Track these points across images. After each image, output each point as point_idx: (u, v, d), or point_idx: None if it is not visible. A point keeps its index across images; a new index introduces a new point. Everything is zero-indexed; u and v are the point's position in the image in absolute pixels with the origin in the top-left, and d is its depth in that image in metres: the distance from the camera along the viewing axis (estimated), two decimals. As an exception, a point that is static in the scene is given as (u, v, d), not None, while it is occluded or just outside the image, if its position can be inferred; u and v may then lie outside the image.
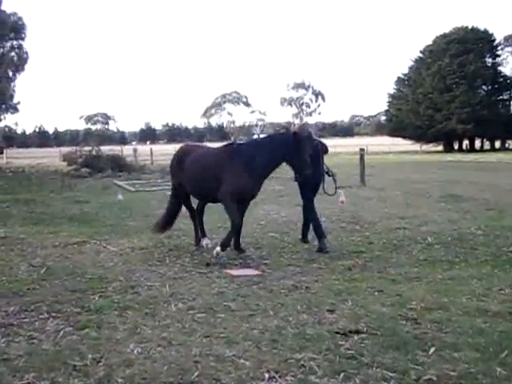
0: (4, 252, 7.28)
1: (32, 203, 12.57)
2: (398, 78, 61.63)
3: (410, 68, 60.17)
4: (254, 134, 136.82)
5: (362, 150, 16.75)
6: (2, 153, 50.92)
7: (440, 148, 56.47)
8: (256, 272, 6.14)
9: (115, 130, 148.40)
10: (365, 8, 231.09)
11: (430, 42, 58.39)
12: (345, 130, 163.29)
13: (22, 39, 29.74)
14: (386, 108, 63.59)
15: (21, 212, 11.09)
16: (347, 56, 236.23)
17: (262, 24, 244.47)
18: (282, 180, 17.98)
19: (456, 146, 56.41)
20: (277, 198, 12.98)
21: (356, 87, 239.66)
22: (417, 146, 57.01)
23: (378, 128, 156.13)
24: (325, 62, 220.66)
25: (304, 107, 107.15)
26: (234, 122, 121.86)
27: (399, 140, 60.82)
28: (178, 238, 8.15)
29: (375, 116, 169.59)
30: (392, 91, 61.71)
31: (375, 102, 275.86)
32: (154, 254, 7.08)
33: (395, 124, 58.83)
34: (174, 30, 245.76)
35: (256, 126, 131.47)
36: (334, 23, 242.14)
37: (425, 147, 56.22)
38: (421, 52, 59.29)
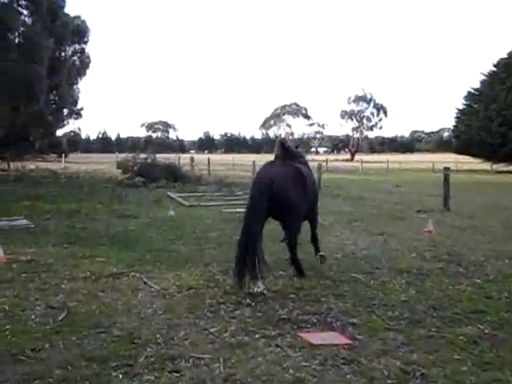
0: (22, 284, 5.88)
1: (75, 216, 11.35)
2: (469, 92, 58.38)
3: (482, 82, 56.79)
4: (312, 146, 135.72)
5: (446, 168, 14.59)
6: (66, 156, 51.70)
7: (512, 168, 52.79)
8: (343, 339, 4.42)
9: (175, 139, 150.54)
10: (431, 21, 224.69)
11: (505, 56, 55.09)
12: (405, 146, 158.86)
13: (85, 43, 29.45)
14: (454, 124, 60.22)
15: (59, 226, 9.83)
16: (410, 69, 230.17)
17: (326, 35, 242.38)
18: (351, 200, 16.21)
19: (529, 166, 52.49)
20: (349, 222, 11.17)
21: (417, 102, 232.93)
22: (486, 165, 53.55)
23: (440, 144, 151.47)
24: (387, 74, 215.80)
25: (365, 121, 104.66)
26: (292, 134, 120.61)
27: (465, 158, 57.53)
28: (236, 274, 6.51)
29: (437, 132, 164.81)
30: (461, 106, 58.49)
31: (437, 118, 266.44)
32: (205, 298, 5.48)
33: (464, 141, 55.51)
34: (237, 40, 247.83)
35: (314, 138, 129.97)
36: (398, 36, 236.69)
37: (495, 166, 52.71)
38: (494, 66, 55.97)
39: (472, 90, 57.59)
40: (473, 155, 55.53)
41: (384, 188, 22.21)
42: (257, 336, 4.42)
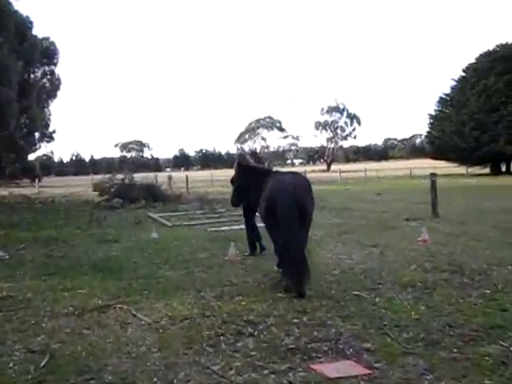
0: (-1, 324, 5.34)
1: (53, 243, 10.75)
2: (440, 98, 59.14)
3: (453, 88, 57.60)
4: (287, 159, 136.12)
5: (433, 174, 14.44)
6: (40, 181, 50.56)
7: (487, 170, 53.39)
8: (360, 369, 4.00)
9: (150, 157, 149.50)
10: (401, 28, 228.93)
11: (473, 61, 56.15)
12: (379, 154, 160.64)
13: (55, 65, 28.78)
14: (428, 130, 60.82)
15: (37, 256, 9.23)
16: (380, 78, 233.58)
17: (295, 47, 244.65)
18: (337, 211, 15.90)
19: (504, 168, 53.20)
20: (340, 235, 10.81)
21: (389, 110, 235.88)
22: (461, 169, 54.18)
23: (413, 151, 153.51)
24: (358, 84, 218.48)
25: (339, 131, 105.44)
26: (267, 147, 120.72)
27: (440, 163, 58.13)
28: (232, 300, 6.06)
29: (410, 139, 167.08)
30: (433, 112, 59.19)
31: (409, 125, 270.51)
32: (202, 329, 5.00)
33: (438, 146, 56.09)
34: (206, 56, 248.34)
35: (289, 150, 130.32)
36: (368, 45, 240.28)
37: (470, 170, 53.29)
38: (463, 71, 56.88)
39: (443, 96, 58.31)
40: (448, 160, 56.08)
41: (366, 197, 22.00)
42: (265, 372, 3.96)
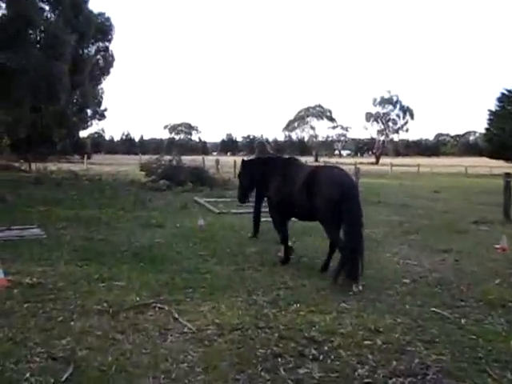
0: (22, 319, 4.63)
1: (94, 224, 10.15)
2: (502, 94, 56.17)
3: (517, 84, 54.51)
4: (335, 149, 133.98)
5: (508, 174, 13.03)
6: (90, 158, 51.06)
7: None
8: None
9: (197, 141, 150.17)
10: (460, 21, 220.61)
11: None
12: (430, 149, 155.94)
13: (109, 41, 28.36)
14: (486, 127, 57.92)
15: (76, 238, 8.62)
16: (435, 70, 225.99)
17: (351, 37, 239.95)
18: (394, 207, 14.77)
19: None
20: (404, 235, 9.74)
21: (442, 105, 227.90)
22: (520, 170, 51.27)
23: (466, 148, 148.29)
24: (412, 76, 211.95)
25: (390, 123, 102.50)
26: (316, 137, 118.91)
27: (496, 162, 55.42)
28: (288, 308, 5.19)
29: (463, 135, 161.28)
30: (494, 108, 56.28)
31: (462, 122, 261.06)
32: (255, 346, 4.16)
33: (497, 144, 53.31)
34: (262, 41, 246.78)
35: (338, 141, 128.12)
36: (423, 36, 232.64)
37: (529, 171, 50.49)
38: (530, 66, 53.85)
39: (505, 92, 55.36)
40: (506, 159, 53.39)
41: (423, 194, 20.62)
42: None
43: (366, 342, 4.31)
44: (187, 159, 24.51)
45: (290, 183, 6.81)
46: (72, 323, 4.55)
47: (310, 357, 3.99)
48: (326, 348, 4.16)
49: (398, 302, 5.49)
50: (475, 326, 4.81)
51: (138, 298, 5.27)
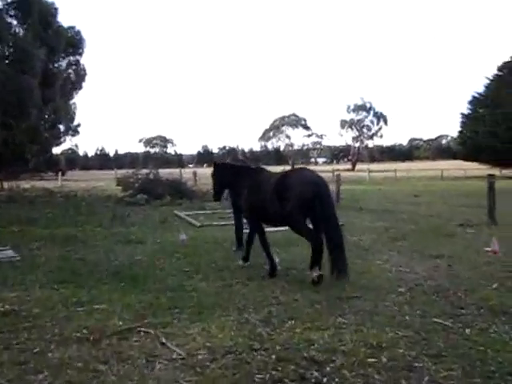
0: (-7, 352, 4.23)
1: (71, 243, 9.70)
2: (473, 97, 57.16)
3: (487, 87, 55.58)
4: (311, 157, 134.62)
5: (491, 176, 12.95)
6: (64, 174, 50.05)
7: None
8: None
9: (173, 153, 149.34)
10: (429, 26, 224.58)
11: (509, 59, 54.26)
12: (404, 154, 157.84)
13: (80, 55, 27.84)
14: (459, 130, 58.73)
15: (51, 258, 8.17)
16: (405, 77, 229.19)
17: (323, 45, 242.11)
18: (378, 213, 14.59)
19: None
20: (392, 242, 9.53)
21: (414, 110, 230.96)
22: (494, 171, 52.10)
23: (439, 152, 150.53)
24: (383, 82, 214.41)
25: (365, 130, 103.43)
26: (291, 146, 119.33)
27: (470, 164, 56.22)
28: (283, 325, 4.86)
29: (435, 139, 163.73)
30: (466, 112, 57.12)
31: (434, 126, 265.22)
32: (252, 371, 3.83)
33: (470, 147, 53.98)
34: (233, 52, 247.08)
35: (314, 149, 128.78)
36: (394, 42, 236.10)
37: (504, 172, 51.15)
38: (499, 69, 55.01)
39: (476, 95, 56.29)
40: (480, 161, 54.14)
41: (403, 199, 20.57)
42: None
43: (370, 360, 4.01)
44: (164, 172, 24.10)
45: (260, 190, 6.89)
46: (49, 354, 4.15)
47: (313, 380, 3.68)
48: (328, 369, 3.85)
49: (396, 313, 5.22)
50: (481, 335, 4.56)
51: (120, 323, 4.88)
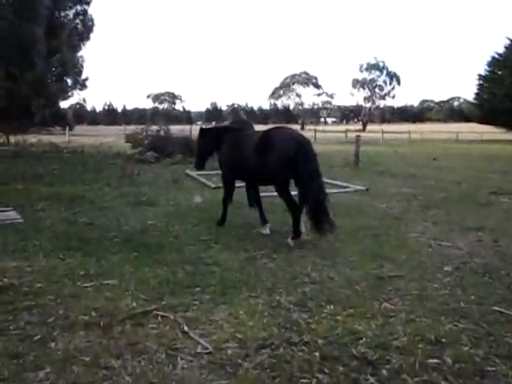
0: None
1: (78, 203, 9.06)
2: (493, 58, 55.22)
3: (507, 47, 53.57)
4: (321, 117, 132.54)
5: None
6: (71, 129, 49.11)
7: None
8: None
9: (181, 110, 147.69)
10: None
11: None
12: (415, 116, 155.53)
13: (87, 4, 26.57)
14: (476, 91, 56.97)
15: (57, 221, 7.53)
16: (417, 36, 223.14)
17: (336, 3, 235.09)
18: (401, 178, 13.82)
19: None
20: (423, 211, 8.80)
21: (426, 70, 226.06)
22: (509, 135, 51.01)
23: (452, 114, 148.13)
24: (396, 42, 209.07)
25: (377, 90, 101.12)
26: (302, 104, 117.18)
27: (485, 127, 54.90)
28: (321, 311, 4.22)
29: (447, 101, 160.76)
30: (484, 73, 55.30)
31: (446, 87, 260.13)
32: (293, 369, 3.19)
33: (487, 109, 52.44)
34: (245, 7, 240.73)
35: (324, 108, 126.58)
36: (407, 3, 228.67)
37: (520, 136, 49.90)
38: (521, 29, 52.96)
39: (496, 56, 54.35)
40: (496, 124, 52.83)
41: (423, 162, 19.74)
42: None
43: (431, 361, 3.36)
44: (175, 129, 23.23)
45: (240, 147, 6.84)
46: (52, 344, 3.52)
47: (371, 387, 3.04)
48: (385, 372, 3.21)
49: (449, 298, 4.55)
50: (554, 329, 3.89)
51: (134, 304, 4.24)
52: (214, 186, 11.61)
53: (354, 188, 11.27)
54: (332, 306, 4.29)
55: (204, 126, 8.58)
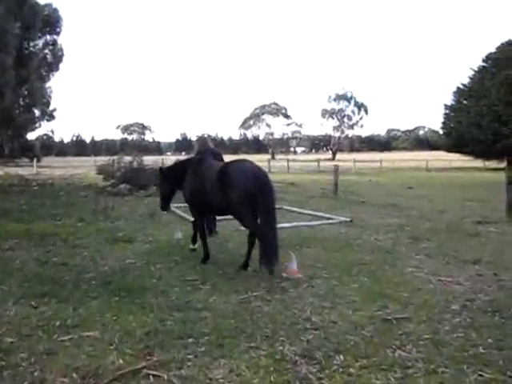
0: None
1: (50, 241, 8.46)
2: (458, 88, 57.01)
3: (472, 78, 55.30)
4: (291, 146, 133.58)
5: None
6: (39, 161, 47.97)
7: (504, 165, 50.97)
8: None
9: (151, 140, 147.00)
10: (410, 19, 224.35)
11: (493, 50, 54.18)
12: (382, 144, 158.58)
13: (57, 34, 26.17)
14: (443, 120, 58.40)
15: (28, 262, 6.94)
16: (384, 67, 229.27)
17: (303, 35, 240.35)
18: (384, 208, 13.61)
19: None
20: (414, 242, 8.51)
21: (391, 100, 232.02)
22: (477, 163, 52.20)
23: (417, 143, 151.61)
24: (360, 73, 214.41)
25: (346, 119, 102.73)
26: (272, 134, 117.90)
27: (452, 155, 56.22)
28: (331, 363, 3.79)
29: (413, 130, 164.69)
30: (449, 103, 56.88)
31: (411, 117, 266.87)
32: None
33: (454, 138, 53.66)
34: (214, 40, 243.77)
35: (293, 138, 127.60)
36: (376, 33, 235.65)
37: (488, 163, 50.95)
38: (483, 61, 54.92)
39: (461, 86, 55.99)
40: (463, 153, 53.94)
41: (400, 191, 19.72)
42: None
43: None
44: (147, 160, 22.73)
45: (202, 179, 6.87)
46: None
47: None
48: None
49: (465, 342, 4.18)
50: None
51: (120, 361, 3.73)
52: (193, 219, 11.11)
53: (338, 219, 10.95)
54: (342, 357, 3.87)
55: (162, 167, 8.58)
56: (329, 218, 11.18)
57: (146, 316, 4.72)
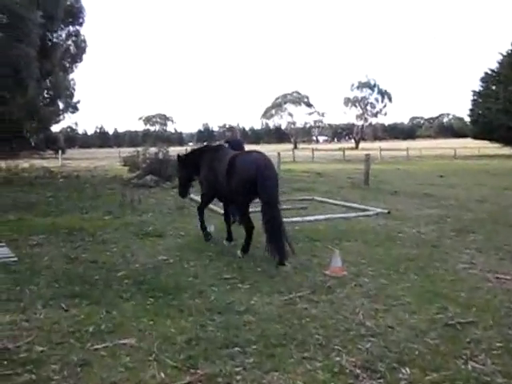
0: None
1: (78, 236, 8.16)
2: (486, 74, 55.29)
3: (500, 63, 53.69)
4: (313, 135, 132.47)
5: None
6: (64, 153, 48.15)
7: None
8: None
9: (173, 131, 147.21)
10: (434, 5, 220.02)
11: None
12: (405, 132, 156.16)
13: (80, 25, 25.92)
14: (471, 107, 56.85)
15: (56, 259, 6.63)
16: (407, 54, 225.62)
17: (326, 22, 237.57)
18: (418, 198, 13.06)
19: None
20: (459, 235, 7.99)
21: (414, 88, 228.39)
22: (505, 150, 50.84)
23: (441, 130, 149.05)
24: (385, 59, 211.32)
25: (369, 107, 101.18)
26: (293, 123, 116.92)
27: (479, 143, 54.82)
28: (397, 375, 3.36)
29: (437, 118, 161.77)
30: (477, 89, 55.29)
31: (435, 104, 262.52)
32: None
33: (482, 125, 52.25)
34: (236, 29, 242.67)
35: (316, 127, 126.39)
36: (397, 20, 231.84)
37: (518, 150, 49.60)
38: (512, 45, 53.14)
39: (489, 71, 54.42)
40: (492, 140, 52.56)
41: (432, 180, 19.03)
42: None
43: None
44: (172, 151, 22.45)
45: (216, 168, 7.10)
46: None
47: None
48: None
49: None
50: None
51: (162, 374, 3.36)
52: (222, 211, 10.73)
53: (374, 211, 10.45)
54: (408, 370, 3.44)
55: (180, 153, 8.57)
56: (364, 210, 10.69)
57: (184, 320, 4.35)
